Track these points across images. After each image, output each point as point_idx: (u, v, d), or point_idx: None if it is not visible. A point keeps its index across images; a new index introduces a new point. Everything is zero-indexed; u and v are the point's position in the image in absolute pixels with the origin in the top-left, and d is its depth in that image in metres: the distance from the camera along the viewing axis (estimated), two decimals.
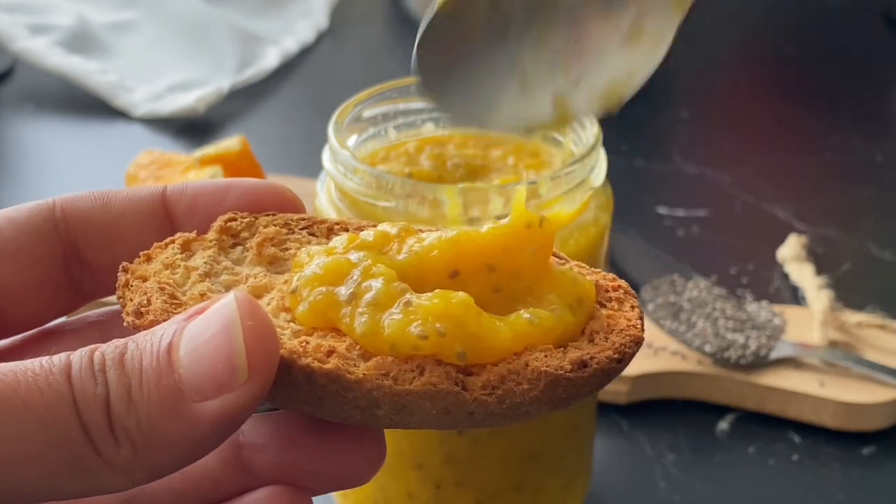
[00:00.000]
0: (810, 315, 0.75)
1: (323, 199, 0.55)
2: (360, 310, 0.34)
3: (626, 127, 1.02)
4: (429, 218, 0.51)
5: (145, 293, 0.36)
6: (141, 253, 0.38)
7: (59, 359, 0.31)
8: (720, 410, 0.71)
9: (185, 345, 0.31)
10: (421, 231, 0.38)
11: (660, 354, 0.72)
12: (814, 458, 0.68)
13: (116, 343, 0.32)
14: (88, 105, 1.03)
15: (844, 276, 0.82)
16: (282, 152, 1.00)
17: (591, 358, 0.35)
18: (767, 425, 0.70)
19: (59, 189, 0.94)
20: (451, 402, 0.34)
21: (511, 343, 0.35)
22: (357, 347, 0.34)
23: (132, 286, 0.37)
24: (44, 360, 0.31)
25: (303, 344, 0.34)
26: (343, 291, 0.35)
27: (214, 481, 0.37)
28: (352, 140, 0.56)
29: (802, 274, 0.80)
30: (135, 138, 0.99)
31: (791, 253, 0.82)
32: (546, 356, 0.35)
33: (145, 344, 0.32)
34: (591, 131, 0.54)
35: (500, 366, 0.34)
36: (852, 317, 0.75)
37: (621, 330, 0.36)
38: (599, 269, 0.39)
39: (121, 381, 0.31)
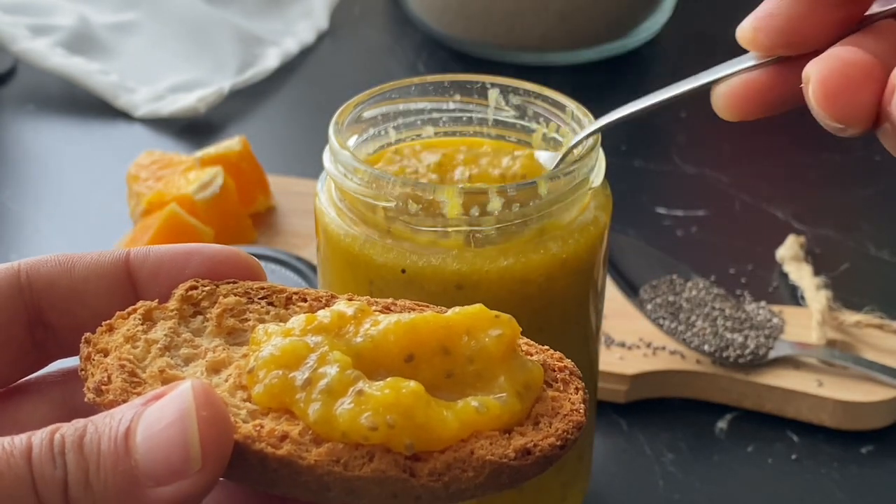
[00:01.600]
0: (809, 315, 0.75)
1: (323, 199, 0.55)
2: (314, 396, 0.36)
3: (625, 127, 1.02)
4: (429, 218, 0.51)
5: (106, 370, 0.37)
6: (103, 323, 0.39)
7: (20, 440, 0.32)
8: (719, 410, 0.71)
9: (141, 431, 0.32)
10: (377, 313, 0.39)
11: (658, 354, 0.72)
12: (812, 457, 0.69)
13: (77, 424, 0.33)
14: (90, 105, 1.04)
15: (843, 276, 0.82)
16: (282, 152, 1.01)
17: (535, 446, 0.36)
18: (766, 424, 0.71)
19: (60, 189, 0.94)
20: (399, 488, 0.35)
21: (458, 431, 0.36)
22: (310, 432, 0.35)
23: (94, 360, 0.38)
24: (5, 440, 0.32)
25: (257, 428, 0.35)
26: (298, 376, 0.36)
27: None
28: (352, 140, 0.56)
29: (801, 274, 0.80)
30: (136, 139, 0.99)
31: (790, 253, 0.82)
32: (491, 444, 0.36)
33: (104, 427, 0.33)
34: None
35: (447, 454, 0.35)
36: (851, 316, 0.75)
37: (564, 415, 0.38)
38: (548, 347, 0.40)
39: (79, 464, 0.32)
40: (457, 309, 0.38)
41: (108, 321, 0.39)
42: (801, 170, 0.98)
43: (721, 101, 0.49)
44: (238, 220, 0.84)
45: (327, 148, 0.54)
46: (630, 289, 0.75)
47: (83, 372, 0.38)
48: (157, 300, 0.40)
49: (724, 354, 0.71)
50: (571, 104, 0.57)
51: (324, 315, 0.38)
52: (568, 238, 0.53)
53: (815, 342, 0.72)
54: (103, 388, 0.37)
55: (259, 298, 0.41)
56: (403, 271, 0.52)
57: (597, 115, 0.56)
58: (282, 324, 0.39)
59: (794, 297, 0.80)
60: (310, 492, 0.35)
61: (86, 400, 0.37)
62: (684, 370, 0.71)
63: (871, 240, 0.87)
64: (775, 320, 0.73)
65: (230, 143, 0.87)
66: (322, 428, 0.35)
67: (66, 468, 0.32)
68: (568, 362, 0.40)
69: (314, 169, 0.59)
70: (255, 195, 0.87)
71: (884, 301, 0.78)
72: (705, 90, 0.51)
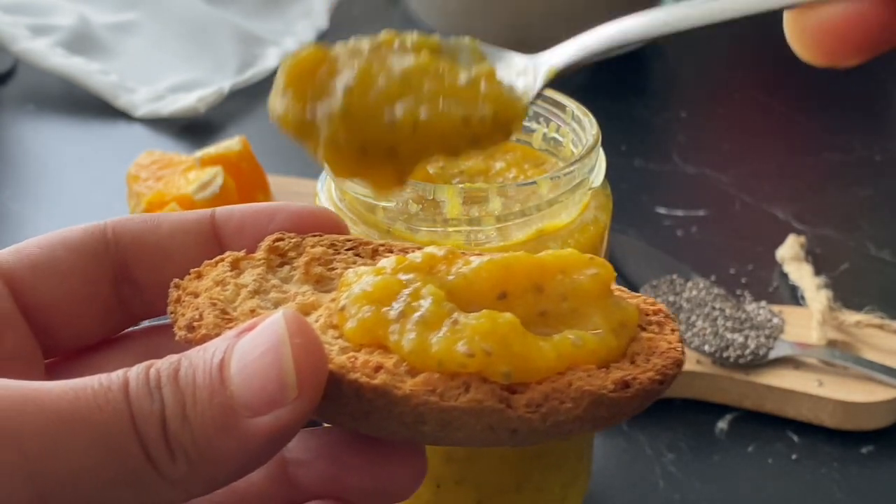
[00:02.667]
0: (809, 315, 0.75)
1: (323, 199, 0.55)
2: (408, 327, 0.35)
3: (625, 127, 1.02)
4: (429, 218, 0.51)
5: (197, 308, 0.37)
6: (192, 270, 0.39)
7: (116, 376, 0.32)
8: (719, 410, 0.71)
9: (236, 362, 0.32)
10: (466, 255, 0.39)
11: None
12: (812, 457, 0.68)
13: (171, 359, 0.33)
14: (89, 105, 1.04)
15: (843, 276, 0.82)
16: (282, 152, 1.01)
17: (634, 378, 0.36)
18: (766, 424, 0.70)
19: (60, 189, 0.94)
20: (496, 420, 0.34)
21: (555, 363, 0.35)
22: (404, 364, 0.35)
23: (184, 301, 0.38)
24: (102, 377, 0.32)
25: (351, 360, 0.35)
26: (392, 310, 0.36)
27: (260, 497, 0.38)
28: None
29: (801, 274, 0.80)
30: (136, 139, 0.99)
31: (790, 253, 0.82)
32: (589, 376, 0.35)
33: (198, 360, 0.33)
34: (591, 132, 0.54)
35: (545, 384, 0.35)
36: (851, 316, 0.75)
37: (662, 352, 0.37)
38: (640, 294, 0.40)
39: (176, 397, 0.32)
40: (548, 251, 0.38)
41: (196, 269, 0.39)
42: (801, 170, 0.98)
43: (809, 38, 0.37)
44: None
45: None
46: (630, 289, 0.74)
47: (173, 315, 0.38)
48: (244, 250, 0.40)
49: (725, 354, 0.71)
50: (571, 104, 0.57)
51: (414, 256, 0.38)
52: (568, 238, 0.53)
53: (816, 342, 0.72)
54: (195, 324, 0.36)
55: (345, 250, 0.41)
56: None
57: (597, 116, 0.56)
58: (371, 263, 0.39)
59: (794, 297, 0.80)
60: (404, 426, 0.35)
61: (177, 339, 0.37)
62: (685, 370, 0.71)
63: (872, 240, 0.87)
64: (775, 320, 0.73)
65: (230, 143, 0.87)
66: (417, 358, 0.35)
67: (163, 402, 0.32)
68: (662, 306, 0.40)
69: (314, 169, 0.59)
70: (254, 195, 0.86)
71: (884, 301, 0.78)
72: (767, 16, 0.40)
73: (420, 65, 0.38)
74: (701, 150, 1.00)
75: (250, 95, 1.06)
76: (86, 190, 0.94)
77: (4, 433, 0.31)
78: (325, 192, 0.55)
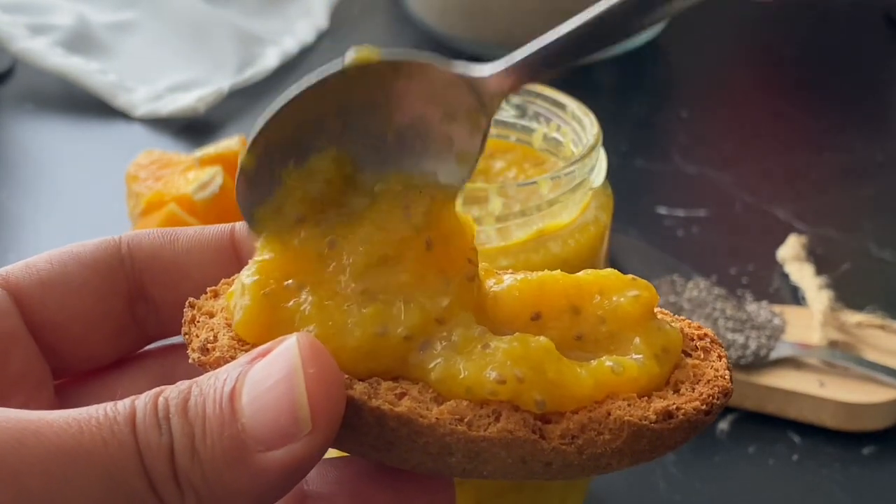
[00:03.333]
0: (810, 315, 0.75)
1: None
2: (436, 350, 0.33)
3: (626, 127, 1.02)
4: None
5: (212, 329, 0.35)
6: (208, 289, 0.38)
7: (123, 406, 0.31)
8: None
9: (247, 392, 0.31)
10: (499, 273, 0.37)
11: None
12: (814, 457, 0.68)
13: (181, 387, 0.31)
14: (88, 105, 1.03)
15: (844, 276, 0.82)
16: None
17: (678, 409, 0.34)
18: (767, 425, 0.70)
19: (59, 189, 0.94)
20: (528, 451, 0.32)
21: (592, 391, 0.33)
22: (430, 391, 0.33)
23: (198, 322, 0.36)
24: (108, 407, 0.31)
25: (374, 385, 0.33)
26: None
27: None
28: None
29: (802, 274, 0.80)
30: (135, 138, 0.99)
31: (791, 253, 0.82)
32: (630, 405, 0.33)
33: (209, 389, 0.31)
34: (591, 131, 0.54)
35: (581, 414, 0.33)
36: (852, 317, 0.75)
37: (709, 381, 0.35)
38: (684, 317, 0.38)
39: (184, 430, 0.30)
40: (588, 271, 0.36)
41: (213, 287, 0.38)
42: (802, 170, 0.97)
43: None
44: (238, 220, 0.83)
45: None
46: None
47: (187, 336, 0.36)
48: None
49: None
50: (572, 103, 0.57)
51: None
52: (568, 238, 0.53)
53: (817, 343, 0.72)
54: (209, 346, 0.35)
55: None
56: None
57: (597, 115, 0.56)
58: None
59: (795, 297, 0.79)
60: (429, 456, 0.33)
61: (190, 361, 0.35)
62: None
63: (873, 240, 0.87)
64: (777, 321, 0.73)
65: (229, 143, 0.86)
66: (445, 385, 0.33)
67: (171, 434, 0.30)
68: (708, 330, 0.37)
69: None
70: None
71: (885, 301, 0.78)
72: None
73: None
74: (702, 150, 1.00)
75: (250, 95, 1.06)
76: (84, 190, 0.93)
77: (2, 469, 0.29)
78: None
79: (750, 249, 0.85)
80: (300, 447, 0.30)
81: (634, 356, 0.34)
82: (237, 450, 0.30)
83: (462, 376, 0.33)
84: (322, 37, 1.16)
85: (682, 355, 0.36)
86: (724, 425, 0.70)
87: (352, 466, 0.36)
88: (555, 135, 0.58)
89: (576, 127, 0.56)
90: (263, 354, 0.31)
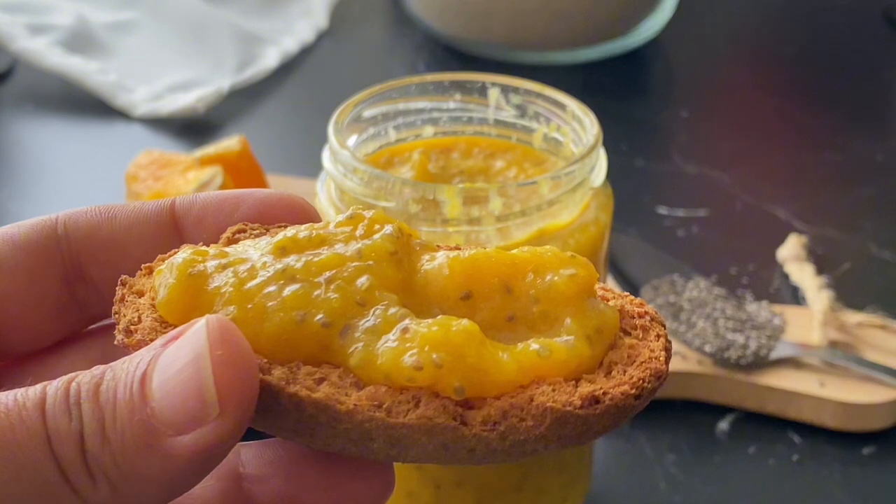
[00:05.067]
0: (810, 315, 0.75)
1: (323, 198, 0.55)
2: (356, 335, 0.32)
3: (626, 127, 1.02)
4: (428, 217, 0.51)
5: (137, 309, 0.34)
6: (143, 265, 0.36)
7: (34, 391, 0.30)
8: (720, 410, 0.71)
9: (157, 375, 0.30)
10: (441, 247, 0.36)
11: None
12: (814, 458, 0.68)
13: (94, 372, 0.30)
14: (88, 105, 1.03)
15: (844, 276, 0.82)
16: (282, 152, 1.00)
17: (605, 393, 0.32)
18: (767, 425, 0.70)
19: (59, 189, 0.94)
20: (450, 438, 0.31)
21: (515, 376, 0.32)
22: (351, 376, 0.32)
23: (127, 301, 0.35)
24: (18, 392, 0.30)
25: (293, 370, 0.32)
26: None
27: None
28: (352, 140, 0.56)
29: (802, 274, 0.80)
30: (134, 138, 0.99)
31: (791, 253, 0.82)
32: (554, 390, 0.32)
33: (121, 373, 0.30)
34: (591, 131, 0.54)
35: (503, 400, 0.32)
36: (852, 317, 0.75)
37: (642, 363, 0.33)
38: (628, 294, 0.36)
39: (94, 415, 0.30)
40: (525, 248, 0.34)
41: (148, 264, 0.36)
42: (802, 170, 0.97)
43: None
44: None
45: (327, 147, 0.54)
46: (631, 289, 0.74)
47: (116, 315, 0.35)
48: (201, 243, 0.36)
49: (726, 355, 0.70)
50: (572, 103, 0.57)
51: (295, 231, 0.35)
52: (569, 238, 0.53)
53: (817, 343, 0.72)
54: (132, 328, 0.34)
55: None
56: None
57: (597, 115, 0.56)
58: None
59: (795, 297, 0.79)
60: (351, 442, 0.32)
61: (116, 342, 0.34)
62: (686, 371, 0.71)
63: (873, 240, 0.87)
64: (777, 321, 0.73)
65: (229, 143, 0.86)
66: (364, 371, 0.32)
67: (81, 420, 0.29)
68: (649, 308, 0.35)
69: (314, 168, 0.58)
70: None
71: (886, 301, 0.78)
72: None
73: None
74: (702, 150, 1.00)
75: (249, 95, 1.06)
76: (84, 190, 0.93)
77: None
78: (325, 192, 0.55)
79: (750, 249, 0.85)
80: (209, 431, 0.29)
81: (565, 338, 0.33)
82: (147, 434, 0.29)
83: (380, 362, 0.32)
84: (322, 37, 1.16)
85: (620, 334, 0.34)
86: (724, 425, 0.70)
87: (287, 449, 0.35)
88: (555, 135, 0.58)
89: (576, 127, 0.56)
90: (176, 337, 0.30)
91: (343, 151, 0.53)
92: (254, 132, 0.97)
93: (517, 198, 0.51)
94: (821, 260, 0.83)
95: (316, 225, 0.35)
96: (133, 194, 0.83)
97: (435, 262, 0.34)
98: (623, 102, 1.06)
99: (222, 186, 0.82)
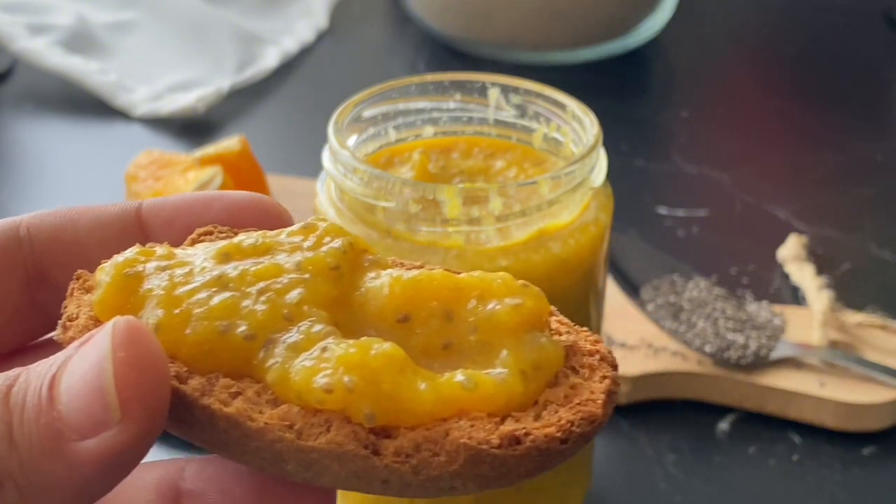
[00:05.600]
0: (811, 315, 0.75)
1: (323, 198, 0.55)
2: (277, 350, 0.31)
3: (626, 126, 1.02)
4: (428, 218, 0.51)
5: (79, 306, 0.33)
6: (102, 261, 0.35)
7: None
8: (720, 411, 0.71)
9: (66, 378, 0.29)
10: (398, 263, 0.34)
11: (660, 355, 0.72)
12: (814, 458, 0.68)
13: (9, 374, 0.30)
14: (88, 105, 1.03)
15: (845, 277, 0.82)
16: (282, 152, 1.00)
17: (527, 434, 0.30)
18: (768, 425, 0.70)
19: (59, 189, 0.94)
20: (360, 467, 0.30)
21: (432, 407, 0.30)
22: (269, 393, 0.31)
23: (74, 296, 0.34)
24: None
25: (211, 381, 0.31)
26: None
27: None
28: (352, 140, 0.56)
29: (803, 274, 0.80)
30: (134, 138, 0.99)
31: (791, 253, 0.82)
32: (473, 426, 0.30)
33: (34, 376, 0.29)
34: (591, 131, 0.54)
35: (417, 432, 0.30)
36: (853, 317, 0.75)
37: (577, 404, 0.31)
38: (586, 329, 0.34)
39: (3, 417, 0.29)
40: (476, 273, 0.33)
41: (107, 260, 0.35)
42: (802, 169, 0.97)
43: None
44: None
45: (327, 147, 0.54)
46: (631, 289, 0.74)
47: (64, 309, 0.34)
48: (150, 243, 0.35)
49: (726, 355, 0.70)
50: (572, 103, 0.57)
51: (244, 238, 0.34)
52: (569, 238, 0.53)
53: (817, 343, 0.72)
54: (68, 324, 0.33)
55: None
56: None
57: (597, 115, 0.56)
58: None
59: (795, 297, 0.79)
60: (265, 461, 0.30)
61: (55, 338, 0.33)
62: (686, 371, 0.71)
63: (874, 240, 0.87)
64: (777, 321, 0.73)
65: (229, 143, 0.86)
66: (279, 388, 0.30)
67: None
68: (602, 347, 0.33)
69: (313, 169, 0.58)
70: None
71: (886, 301, 0.78)
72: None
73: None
74: (702, 150, 1.00)
75: (249, 95, 1.06)
76: (84, 190, 0.93)
77: None
78: (325, 192, 0.55)
79: (750, 249, 0.85)
80: (113, 436, 0.28)
81: (498, 370, 0.31)
82: (52, 438, 0.29)
83: (294, 380, 0.30)
84: (322, 37, 1.16)
85: (568, 372, 0.32)
86: (724, 425, 0.70)
87: (228, 463, 0.34)
88: (555, 135, 0.58)
89: (576, 127, 0.56)
90: (91, 338, 0.30)
91: (343, 151, 0.53)
92: (254, 132, 0.97)
93: (517, 198, 0.51)
94: (821, 260, 0.83)
95: (269, 232, 0.34)
96: (133, 194, 0.83)
97: (377, 281, 0.33)
98: (623, 102, 1.06)
99: (222, 186, 0.82)
